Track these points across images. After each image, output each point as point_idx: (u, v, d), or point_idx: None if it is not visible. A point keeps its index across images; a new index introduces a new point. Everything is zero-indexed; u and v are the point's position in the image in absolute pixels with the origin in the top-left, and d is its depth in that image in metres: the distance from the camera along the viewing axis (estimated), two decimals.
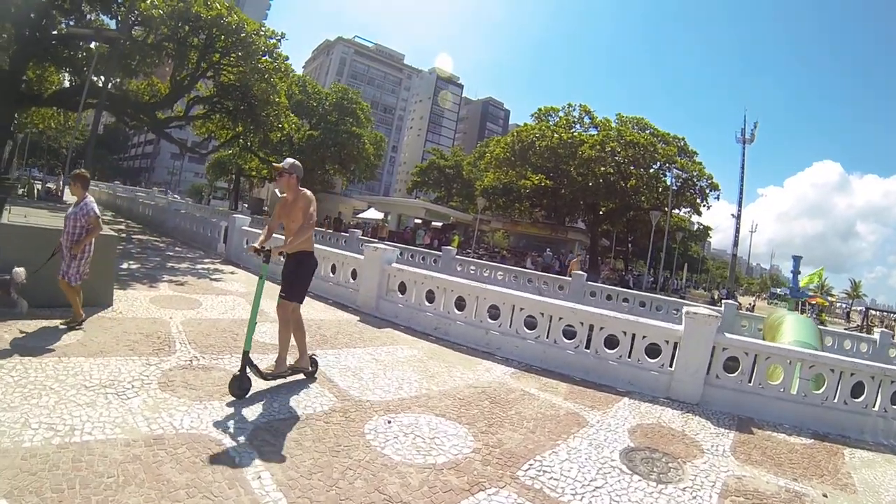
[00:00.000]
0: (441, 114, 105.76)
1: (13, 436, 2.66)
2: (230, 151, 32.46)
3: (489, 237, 44.39)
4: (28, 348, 3.96)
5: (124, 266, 8.36)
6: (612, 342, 6.02)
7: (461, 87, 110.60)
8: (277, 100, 19.65)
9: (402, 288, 7.69)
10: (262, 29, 18.62)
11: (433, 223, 36.40)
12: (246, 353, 3.68)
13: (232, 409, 3.47)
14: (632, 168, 30.42)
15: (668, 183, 31.07)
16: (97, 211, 4.82)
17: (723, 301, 17.10)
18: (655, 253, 30.96)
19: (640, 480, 3.37)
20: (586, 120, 33.35)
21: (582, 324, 6.12)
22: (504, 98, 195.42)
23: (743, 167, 43.25)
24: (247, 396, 3.68)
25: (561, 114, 33.58)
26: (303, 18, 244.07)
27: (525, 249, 36.28)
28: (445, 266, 16.60)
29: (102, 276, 5.52)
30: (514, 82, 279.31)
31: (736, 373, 5.56)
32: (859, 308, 42.89)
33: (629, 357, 5.84)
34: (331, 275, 8.84)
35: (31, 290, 4.77)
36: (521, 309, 6.51)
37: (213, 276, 9.18)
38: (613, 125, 32.60)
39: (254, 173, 39.13)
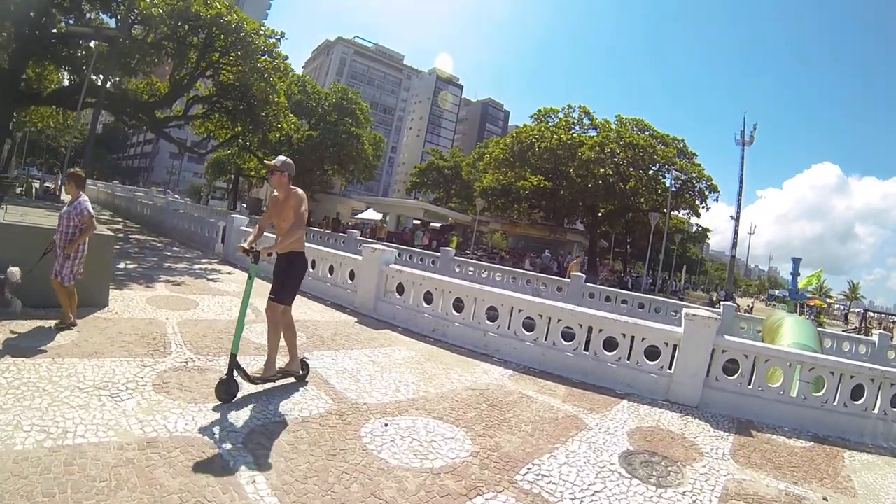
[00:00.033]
0: (440, 114, 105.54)
1: (5, 438, 2.62)
2: (229, 151, 32.35)
3: (488, 238, 44.46)
4: (21, 349, 3.93)
5: (121, 266, 8.32)
6: (611, 344, 5.99)
7: (461, 87, 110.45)
8: (277, 99, 19.62)
9: (401, 289, 7.65)
10: (262, 28, 18.58)
11: (432, 224, 36.39)
12: (233, 356, 3.59)
13: (227, 412, 3.43)
14: (631, 169, 30.45)
15: (668, 184, 31.05)
16: (91, 210, 4.78)
17: (721, 303, 17.09)
18: (654, 254, 30.92)
19: (639, 484, 3.34)
20: (586, 121, 33.35)
21: (581, 326, 6.09)
22: (504, 99, 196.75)
23: (742, 169, 43.25)
24: (234, 401, 3.59)
25: (560, 115, 33.57)
26: (303, 18, 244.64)
27: (524, 250, 36.28)
28: (444, 267, 16.58)
29: (98, 276, 5.48)
30: (514, 83, 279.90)
31: (735, 375, 5.53)
32: (857, 310, 42.89)
33: (628, 359, 5.82)
34: (328, 276, 8.80)
35: (26, 289, 4.74)
36: (520, 311, 6.48)
37: (211, 277, 9.15)
38: (613, 126, 32.56)
39: (252, 173, 39.09)
